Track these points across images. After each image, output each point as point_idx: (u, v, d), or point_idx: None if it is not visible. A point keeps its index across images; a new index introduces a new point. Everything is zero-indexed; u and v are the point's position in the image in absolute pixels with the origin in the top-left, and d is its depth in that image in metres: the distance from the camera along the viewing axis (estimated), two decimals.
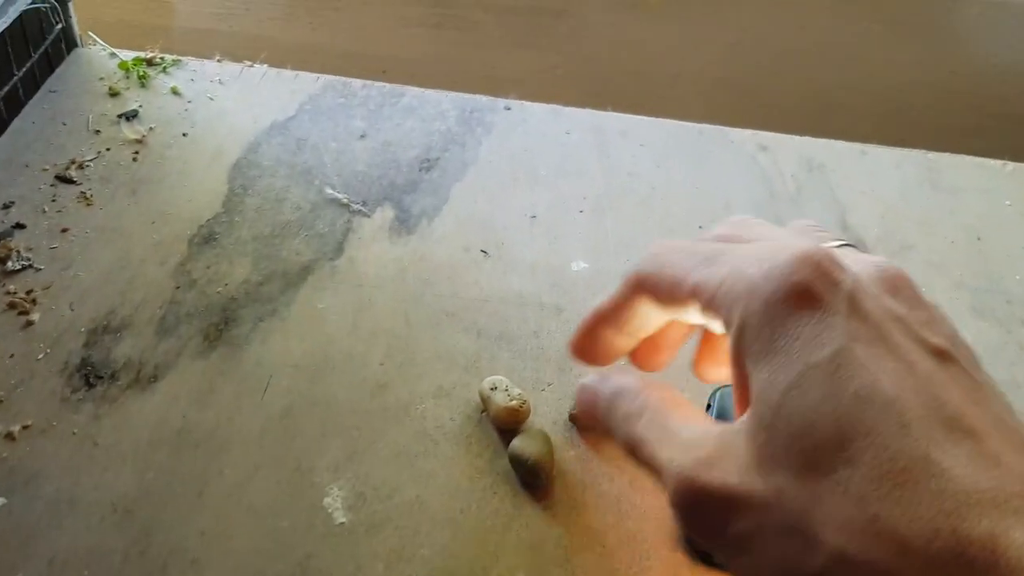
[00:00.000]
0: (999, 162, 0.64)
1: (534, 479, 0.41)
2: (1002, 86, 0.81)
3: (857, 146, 0.64)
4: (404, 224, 0.54)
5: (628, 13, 0.82)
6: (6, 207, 0.52)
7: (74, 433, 0.42)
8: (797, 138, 0.64)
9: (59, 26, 0.61)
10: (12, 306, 0.46)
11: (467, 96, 0.63)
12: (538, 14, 0.81)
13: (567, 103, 0.65)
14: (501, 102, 0.63)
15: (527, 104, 0.63)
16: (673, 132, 0.63)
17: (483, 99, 0.63)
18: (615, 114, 0.64)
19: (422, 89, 0.64)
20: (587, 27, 0.83)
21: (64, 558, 0.37)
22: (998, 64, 0.80)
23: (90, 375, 0.44)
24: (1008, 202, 0.61)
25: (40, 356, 0.45)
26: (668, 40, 0.85)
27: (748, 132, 0.64)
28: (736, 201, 0.58)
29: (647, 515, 0.41)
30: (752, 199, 0.59)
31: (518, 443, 0.42)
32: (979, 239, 0.58)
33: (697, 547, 0.39)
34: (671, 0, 0.79)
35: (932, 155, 0.64)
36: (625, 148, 0.61)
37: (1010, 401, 0.29)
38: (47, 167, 0.55)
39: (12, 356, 0.45)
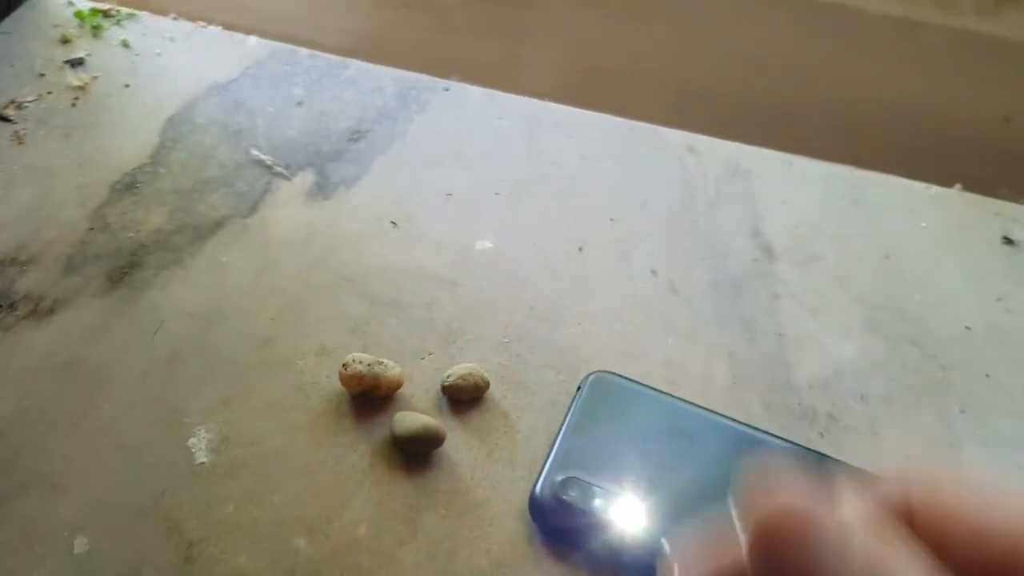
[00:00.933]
0: (923, 184, 0.65)
1: (421, 450, 0.43)
2: (956, 113, 0.82)
3: (785, 156, 0.66)
4: (322, 190, 0.56)
5: (597, 9, 0.83)
6: None
7: None
8: (729, 143, 0.66)
9: None
10: None
11: (409, 74, 0.65)
12: (506, 5, 0.83)
13: (523, 94, 0.66)
14: (441, 83, 0.65)
15: (466, 87, 0.65)
16: (605, 127, 0.65)
17: (424, 78, 0.65)
18: (551, 104, 0.65)
19: (366, 64, 0.65)
20: (554, 21, 0.85)
21: None
22: (954, 91, 0.82)
23: None
24: (924, 224, 0.62)
25: None
26: (633, 39, 0.86)
27: (680, 133, 0.66)
28: (653, 199, 0.60)
29: (497, 486, 0.43)
30: (669, 198, 0.60)
31: (400, 423, 0.43)
32: (887, 257, 0.59)
33: (548, 524, 0.41)
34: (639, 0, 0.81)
35: (859, 172, 0.65)
36: (554, 138, 0.63)
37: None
38: None
39: None
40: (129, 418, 0.43)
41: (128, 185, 0.54)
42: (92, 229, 0.51)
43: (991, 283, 0.59)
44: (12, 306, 0.46)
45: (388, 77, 0.65)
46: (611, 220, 0.58)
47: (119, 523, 0.39)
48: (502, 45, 0.84)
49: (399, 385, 0.45)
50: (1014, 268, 0.60)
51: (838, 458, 0.45)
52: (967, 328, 0.55)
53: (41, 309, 0.47)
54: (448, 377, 0.46)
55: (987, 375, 0.53)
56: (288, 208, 0.54)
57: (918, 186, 0.65)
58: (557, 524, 0.41)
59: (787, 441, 0.45)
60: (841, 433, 0.48)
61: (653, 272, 0.55)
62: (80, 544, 0.38)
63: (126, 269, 0.49)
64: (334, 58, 0.66)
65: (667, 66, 0.86)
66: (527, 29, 0.84)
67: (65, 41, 0.62)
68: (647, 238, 0.57)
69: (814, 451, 0.45)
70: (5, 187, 0.52)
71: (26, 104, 0.57)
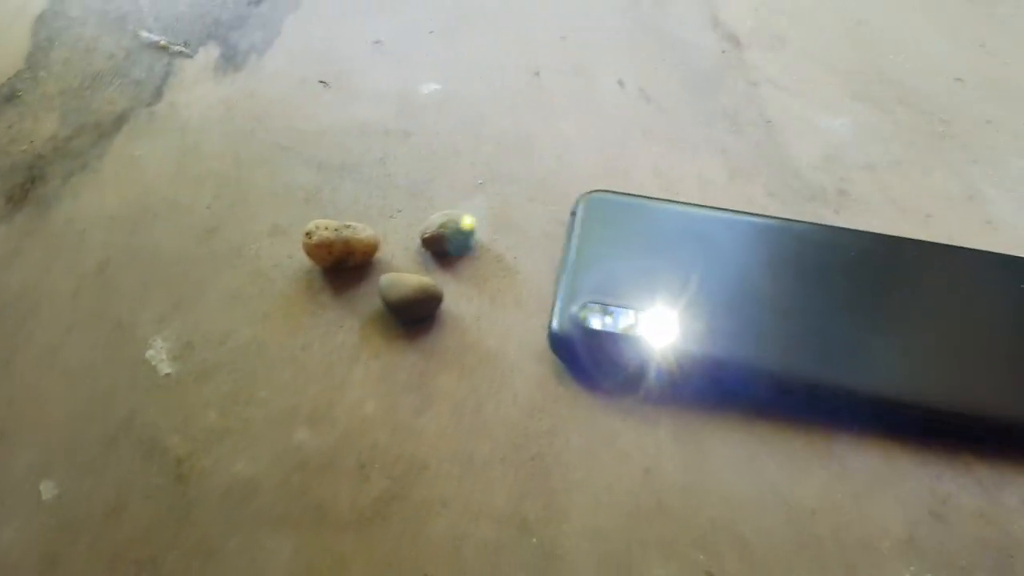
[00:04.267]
0: None
1: (419, 313, 0.37)
2: None
3: None
4: (230, 62, 0.48)
5: None
6: None
7: None
8: None
9: None
10: None
11: None
12: None
13: None
14: None
15: None
16: None
17: None
18: None
19: None
20: None
21: None
22: None
23: None
24: None
25: None
26: None
27: None
28: (600, 10, 0.54)
29: (510, 332, 0.38)
30: (617, 6, 0.54)
31: (390, 288, 0.37)
32: (857, 24, 0.55)
33: (574, 356, 0.36)
34: None
35: None
36: None
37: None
38: None
39: None
40: (70, 344, 0.36)
41: (7, 97, 0.46)
42: None
43: (970, 32, 0.55)
44: None
45: None
46: (562, 39, 0.52)
47: (87, 458, 0.33)
48: None
49: (375, 248, 0.39)
50: (990, 14, 0.56)
51: (860, 229, 0.41)
52: (957, 79, 0.51)
53: None
54: (427, 229, 0.40)
55: (988, 121, 0.49)
56: (197, 88, 0.47)
57: None
58: (584, 354, 0.36)
59: (804, 223, 0.41)
60: (856, 206, 0.44)
61: (620, 83, 0.49)
62: (48, 489, 0.32)
63: (27, 186, 0.42)
64: None
65: None
66: None
67: None
68: (605, 50, 0.51)
69: (834, 227, 0.41)
70: None
71: None
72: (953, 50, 0.53)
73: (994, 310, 0.37)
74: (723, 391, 0.35)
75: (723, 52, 0.52)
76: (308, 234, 0.38)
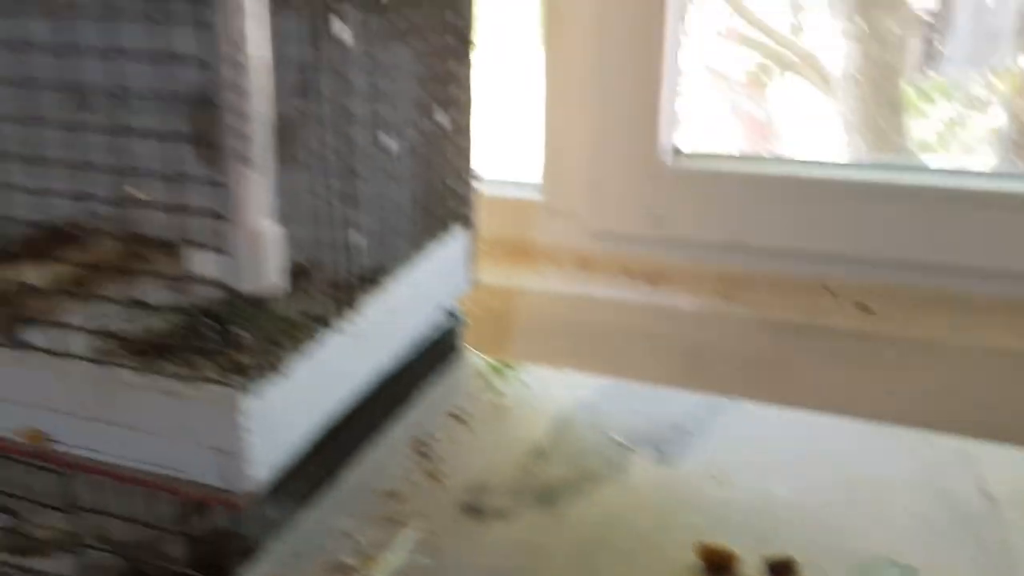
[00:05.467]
0: None
1: None
2: None
3: None
4: (659, 460, 0.82)
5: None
6: None
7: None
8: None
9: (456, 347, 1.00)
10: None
11: (706, 397, 0.94)
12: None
13: None
14: (735, 402, 0.93)
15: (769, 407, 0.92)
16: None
17: (718, 398, 0.93)
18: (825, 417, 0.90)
19: (670, 389, 0.95)
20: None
21: None
22: None
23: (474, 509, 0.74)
24: None
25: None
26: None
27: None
28: (889, 463, 0.82)
29: None
30: (904, 462, 0.82)
31: None
32: None
33: None
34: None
35: None
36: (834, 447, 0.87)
37: None
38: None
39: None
40: None
41: (538, 453, 0.83)
42: (524, 471, 0.80)
43: None
44: (479, 511, 0.74)
45: (698, 400, 0.93)
46: (847, 482, 0.80)
47: None
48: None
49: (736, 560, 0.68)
50: None
51: None
52: None
53: (498, 513, 0.74)
54: (771, 556, 0.68)
55: None
56: (636, 470, 0.81)
57: None
58: None
59: None
60: None
61: (903, 508, 0.76)
62: None
63: (552, 492, 0.77)
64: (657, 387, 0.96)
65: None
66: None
67: (481, 377, 0.97)
68: (891, 490, 0.78)
69: None
70: (469, 447, 0.83)
71: (468, 412, 0.90)
72: None
73: None
74: None
75: (982, 503, 0.76)
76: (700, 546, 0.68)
